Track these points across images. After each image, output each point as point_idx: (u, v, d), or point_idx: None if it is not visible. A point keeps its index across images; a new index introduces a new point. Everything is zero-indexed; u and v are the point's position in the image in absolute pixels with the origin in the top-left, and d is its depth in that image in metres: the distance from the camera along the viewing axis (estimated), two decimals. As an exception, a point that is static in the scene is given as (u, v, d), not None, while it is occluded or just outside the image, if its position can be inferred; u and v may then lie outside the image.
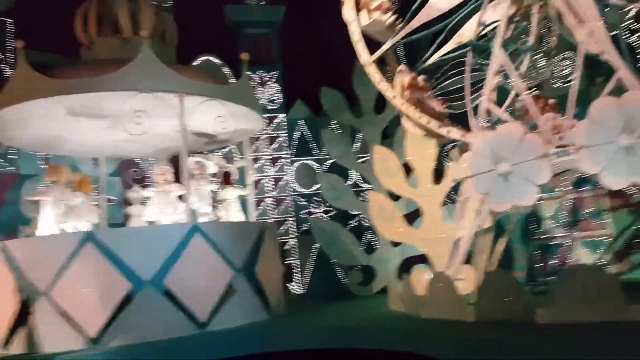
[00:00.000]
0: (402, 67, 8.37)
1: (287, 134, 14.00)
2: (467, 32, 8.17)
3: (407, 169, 11.03)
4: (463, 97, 7.85)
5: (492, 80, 7.54)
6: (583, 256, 10.49)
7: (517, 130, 6.92)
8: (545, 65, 8.96)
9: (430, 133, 8.17)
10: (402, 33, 8.13)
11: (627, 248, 10.13)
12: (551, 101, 7.88)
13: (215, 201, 10.38)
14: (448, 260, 7.94)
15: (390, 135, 12.51)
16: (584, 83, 8.53)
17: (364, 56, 8.34)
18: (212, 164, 10.38)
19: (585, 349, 5.03)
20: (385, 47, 8.32)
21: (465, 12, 7.93)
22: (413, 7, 7.98)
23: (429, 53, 8.46)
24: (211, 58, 13.50)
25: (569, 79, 10.16)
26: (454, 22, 7.92)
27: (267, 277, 9.00)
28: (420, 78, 8.17)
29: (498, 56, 7.45)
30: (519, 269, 10.86)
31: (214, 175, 10.43)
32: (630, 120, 6.15)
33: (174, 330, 7.62)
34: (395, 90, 8.16)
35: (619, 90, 6.61)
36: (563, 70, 10.49)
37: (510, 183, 6.88)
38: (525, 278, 10.56)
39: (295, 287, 13.22)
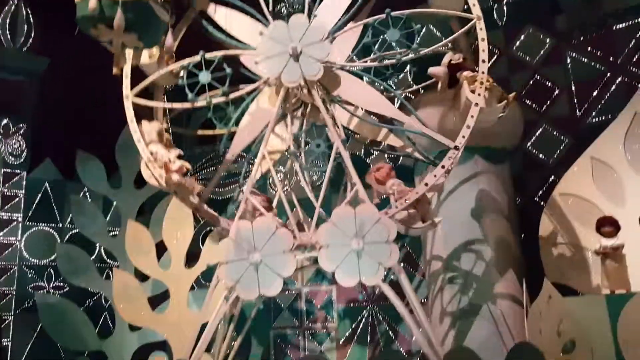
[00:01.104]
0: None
1: (25, 195, 12.40)
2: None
3: (163, 249, 10.77)
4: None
5: (255, 174, 8.08)
6: (312, 347, 11.42)
7: (271, 223, 7.48)
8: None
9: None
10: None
11: (348, 340, 11.41)
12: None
13: None
14: (189, 348, 7.80)
15: (146, 211, 12.13)
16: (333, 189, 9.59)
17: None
18: None
19: None
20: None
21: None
22: None
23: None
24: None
25: (318, 183, 11.51)
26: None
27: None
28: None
29: (260, 153, 8.02)
30: (255, 357, 11.21)
31: None
32: (362, 227, 7.23)
33: None
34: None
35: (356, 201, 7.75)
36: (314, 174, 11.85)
37: (259, 273, 7.29)
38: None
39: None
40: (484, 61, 7.32)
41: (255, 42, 7.79)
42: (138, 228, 10.92)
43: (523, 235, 9.80)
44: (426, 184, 7.27)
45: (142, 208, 12.31)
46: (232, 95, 7.72)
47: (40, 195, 12.62)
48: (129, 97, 7.82)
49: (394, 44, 8.20)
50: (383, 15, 7.43)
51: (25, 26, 13.26)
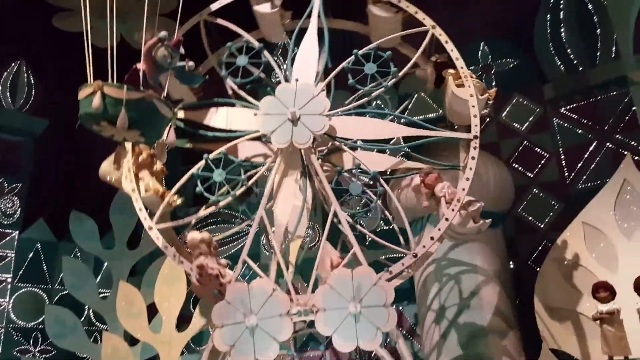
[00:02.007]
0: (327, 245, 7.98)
1: (15, 255, 12.25)
2: None
3: (154, 311, 10.55)
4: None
5: (251, 237, 8.06)
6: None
7: (268, 286, 7.41)
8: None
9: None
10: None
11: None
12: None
13: None
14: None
15: (138, 273, 11.97)
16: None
17: None
18: None
19: None
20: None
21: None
22: None
23: None
24: None
25: (311, 246, 11.51)
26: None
27: None
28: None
29: (257, 217, 8.03)
30: None
31: None
32: (359, 290, 7.18)
33: None
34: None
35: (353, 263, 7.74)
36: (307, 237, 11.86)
37: (255, 337, 7.14)
38: None
39: None
40: (457, 59, 7.62)
41: (247, 127, 7.95)
42: (129, 290, 10.73)
43: (518, 300, 9.76)
44: (467, 179, 7.19)
45: (134, 269, 12.17)
46: (251, 182, 7.67)
47: (31, 255, 12.47)
48: (152, 228, 7.44)
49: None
50: (352, 57, 7.70)
51: (26, 88, 13.56)
